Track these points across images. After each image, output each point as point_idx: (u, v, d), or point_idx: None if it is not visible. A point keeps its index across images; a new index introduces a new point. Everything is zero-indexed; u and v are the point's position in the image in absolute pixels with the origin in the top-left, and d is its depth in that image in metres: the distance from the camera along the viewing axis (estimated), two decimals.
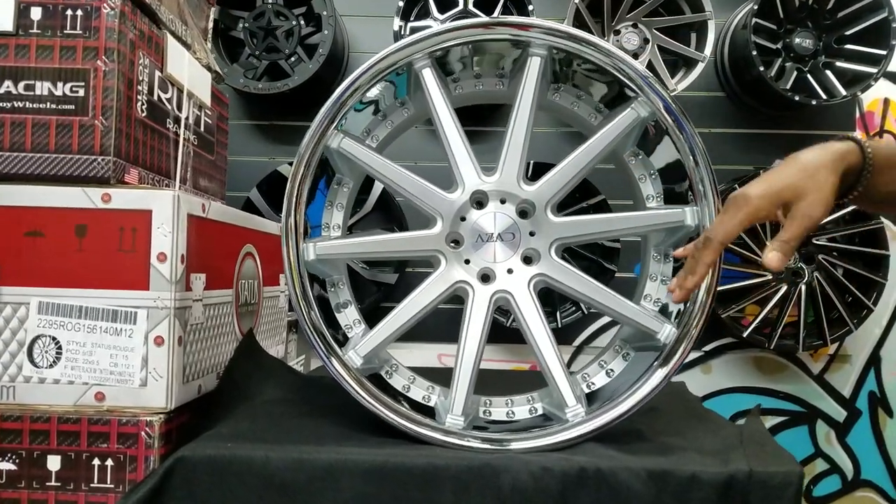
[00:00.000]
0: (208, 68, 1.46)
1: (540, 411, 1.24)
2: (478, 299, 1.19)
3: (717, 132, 2.63)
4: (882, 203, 1.08)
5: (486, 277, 1.21)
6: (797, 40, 2.48)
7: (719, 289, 1.17)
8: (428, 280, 1.20)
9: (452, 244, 1.21)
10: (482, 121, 2.52)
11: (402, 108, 1.30)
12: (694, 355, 2.60)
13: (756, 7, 2.37)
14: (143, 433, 1.08)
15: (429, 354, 2.50)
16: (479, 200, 1.21)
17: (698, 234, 1.16)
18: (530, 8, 2.42)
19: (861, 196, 1.05)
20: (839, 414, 2.64)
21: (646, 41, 2.49)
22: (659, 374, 1.14)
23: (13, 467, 1.09)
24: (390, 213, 2.48)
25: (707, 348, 2.60)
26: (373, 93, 1.24)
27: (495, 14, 2.49)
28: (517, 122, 1.19)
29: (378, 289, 2.51)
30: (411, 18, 2.54)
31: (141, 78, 1.18)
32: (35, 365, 1.10)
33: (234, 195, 2.46)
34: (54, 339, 1.10)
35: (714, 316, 2.40)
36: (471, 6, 2.51)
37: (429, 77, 1.20)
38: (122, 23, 1.12)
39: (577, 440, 1.12)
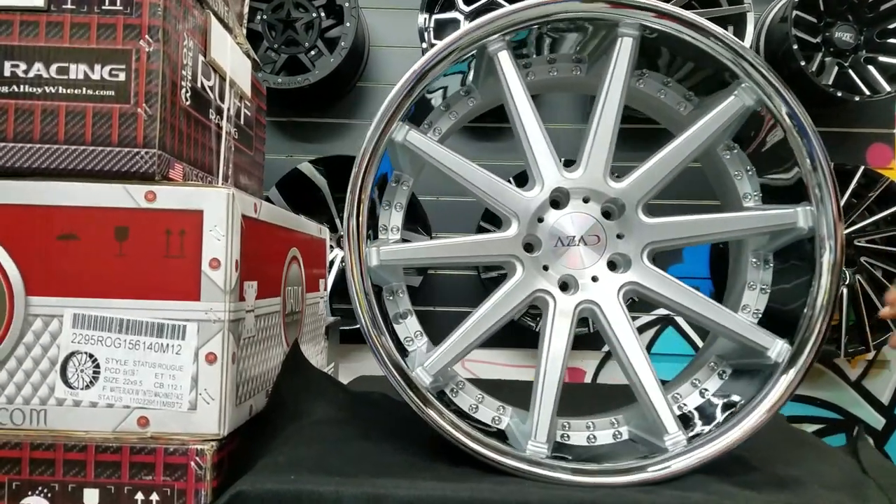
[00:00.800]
0: (248, 55, 1.31)
1: (625, 436, 1.10)
2: (560, 311, 1.05)
3: None
4: None
5: (566, 286, 1.07)
6: (837, 34, 2.34)
7: None
8: (503, 289, 1.06)
9: (527, 249, 1.06)
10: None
11: (467, 97, 1.16)
12: None
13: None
14: (192, 463, 0.94)
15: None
16: (556, 200, 1.06)
17: (812, 237, 1.02)
18: None
19: None
20: (877, 421, 2.51)
21: None
22: (776, 392, 1.00)
23: (46, 503, 0.94)
24: (415, 213, 2.34)
25: None
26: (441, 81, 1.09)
27: None
28: (605, 110, 1.05)
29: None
30: (435, 11, 2.40)
31: (185, 62, 1.03)
32: (69, 386, 0.95)
33: None
34: (91, 356, 0.95)
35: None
36: None
37: (505, 60, 1.05)
38: (172, 1, 0.97)
39: (681, 472, 0.98)
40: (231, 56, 1.20)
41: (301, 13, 2.35)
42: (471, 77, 1.14)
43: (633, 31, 1.05)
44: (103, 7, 0.96)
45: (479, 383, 1.15)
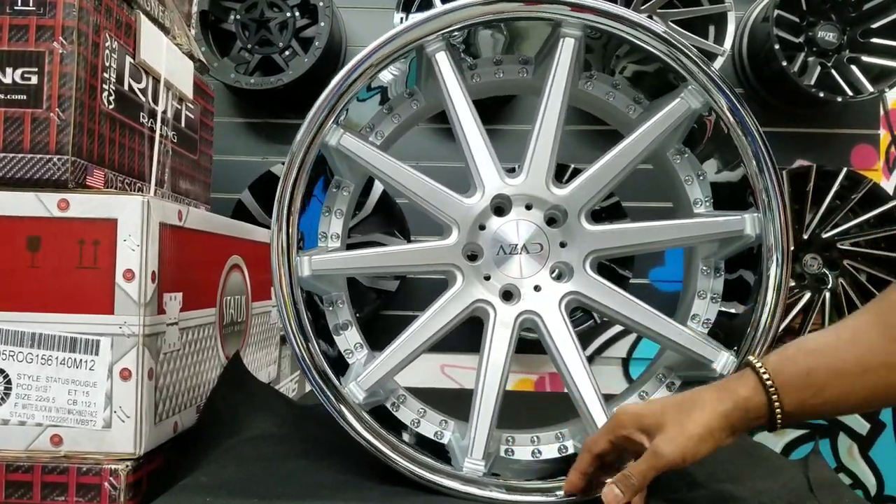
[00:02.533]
0: (190, 56, 1.27)
1: (571, 450, 1.05)
2: (500, 322, 1.01)
3: None
4: (821, 415, 0.87)
5: (509, 296, 1.02)
6: (820, 34, 2.29)
7: None
8: (441, 300, 1.01)
9: (470, 258, 1.02)
10: (487, 119, 2.33)
11: (410, 99, 1.11)
12: None
13: None
14: (106, 483, 0.89)
15: (431, 365, 2.31)
16: (499, 207, 1.02)
17: (760, 244, 0.97)
18: None
19: (786, 421, 0.84)
20: (862, 427, 2.46)
21: None
22: None
23: None
24: (391, 215, 2.29)
25: None
26: (380, 80, 1.04)
27: None
28: (547, 114, 1.00)
29: (378, 296, 2.32)
30: (413, 10, 2.36)
31: (108, 64, 0.99)
32: None
33: (224, 197, 2.28)
34: (2, 371, 0.91)
35: None
36: None
37: (443, 62, 1.01)
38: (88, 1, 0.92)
39: None
40: (167, 57, 1.16)
41: (275, 13, 2.31)
42: (414, 79, 1.09)
43: (575, 31, 1.00)
44: (15, 7, 0.92)
45: (425, 392, 1.11)
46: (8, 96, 0.91)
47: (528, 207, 1.02)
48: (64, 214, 0.90)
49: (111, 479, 0.89)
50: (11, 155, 0.91)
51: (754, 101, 2.46)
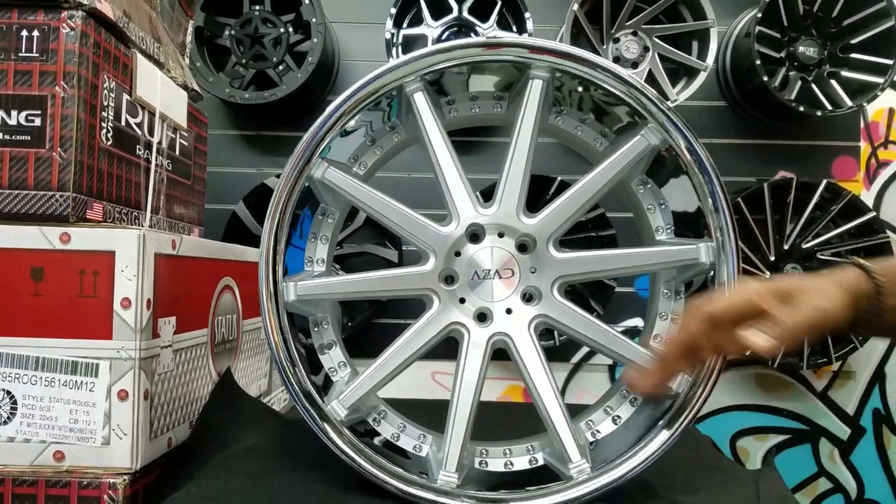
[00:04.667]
0: (185, 87, 1.34)
1: (540, 461, 1.13)
2: (473, 343, 1.08)
3: (719, 143, 2.53)
4: None
5: (482, 318, 1.10)
6: (801, 49, 2.37)
7: None
8: (419, 322, 1.09)
9: (446, 282, 1.10)
10: (474, 131, 2.41)
11: (392, 132, 1.19)
12: None
13: (759, 15, 2.26)
14: (105, 496, 0.97)
15: (423, 373, 2.40)
16: (474, 234, 1.10)
17: (714, 271, 1.05)
18: (527, 15, 2.31)
19: (879, 323, 0.92)
20: (843, 432, 2.54)
21: (646, 49, 2.39)
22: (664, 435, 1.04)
23: None
24: (383, 227, 2.36)
25: None
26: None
27: (490, 22, 2.39)
28: (517, 149, 1.08)
29: (370, 305, 2.40)
30: (404, 25, 2.44)
31: (106, 103, 1.06)
32: None
33: (219, 208, 2.36)
34: (8, 392, 0.99)
35: None
36: (465, 13, 2.40)
37: (421, 101, 1.08)
38: (82, 44, 1.00)
39: (582, 499, 1.01)
40: (162, 91, 1.23)
41: (269, 29, 2.39)
42: (395, 113, 1.17)
43: (543, 73, 1.07)
44: (20, 54, 0.99)
45: (407, 404, 1.19)
46: (13, 137, 0.99)
47: (501, 235, 1.10)
48: (65, 247, 0.98)
49: (110, 491, 0.97)
50: (16, 192, 0.99)
51: (738, 114, 2.54)
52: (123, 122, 1.12)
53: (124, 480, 0.98)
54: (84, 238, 0.98)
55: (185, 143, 1.36)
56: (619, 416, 1.13)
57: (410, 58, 1.07)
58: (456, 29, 2.42)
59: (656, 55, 2.37)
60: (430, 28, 2.41)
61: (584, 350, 2.50)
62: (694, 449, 1.31)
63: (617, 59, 2.38)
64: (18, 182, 0.99)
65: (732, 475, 1.16)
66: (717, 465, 1.22)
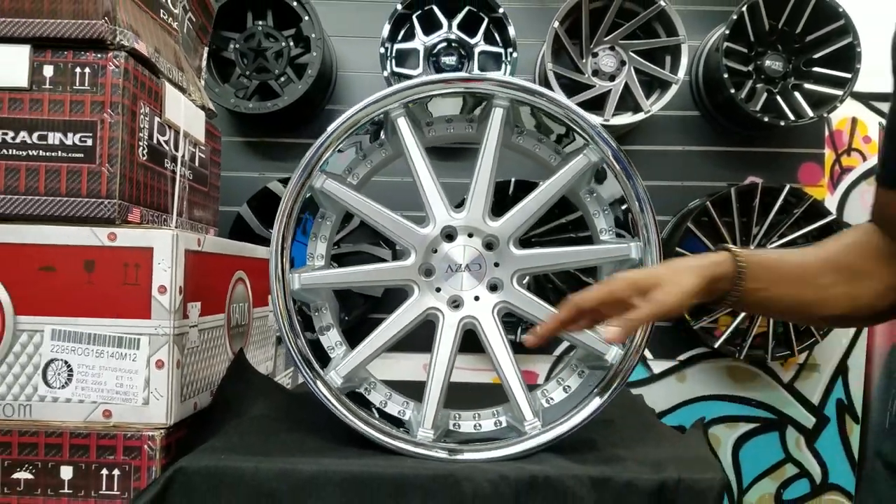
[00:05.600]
0: (202, 108, 1.62)
1: (504, 423, 1.40)
2: (447, 324, 1.36)
3: (692, 150, 2.80)
4: (757, 307, 1.22)
5: (455, 304, 1.37)
6: (767, 63, 2.64)
7: None
8: (402, 307, 1.36)
9: (425, 274, 1.37)
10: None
11: (380, 148, 1.46)
12: (669, 364, 2.78)
13: (727, 31, 2.53)
14: (145, 446, 1.24)
15: (414, 364, 2.65)
16: (448, 234, 1.37)
17: (641, 265, 1.32)
18: (511, 31, 2.58)
19: (737, 301, 1.17)
20: (808, 421, 2.80)
21: (623, 63, 2.65)
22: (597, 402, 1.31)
23: (30, 477, 1.25)
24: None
25: (681, 358, 2.77)
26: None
27: (478, 37, 2.65)
28: (483, 165, 1.35)
29: (365, 301, 2.67)
30: (398, 40, 2.70)
31: (142, 126, 1.34)
32: (49, 385, 1.26)
33: (225, 210, 2.62)
34: (66, 362, 1.26)
35: (687, 327, 2.57)
36: (454, 29, 2.66)
37: (403, 125, 1.36)
38: (125, 79, 1.28)
39: (533, 450, 1.29)
40: (185, 112, 1.51)
41: (271, 42, 2.66)
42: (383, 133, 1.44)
43: (504, 102, 1.35)
44: (74, 87, 1.26)
45: (393, 384, 1.46)
46: (69, 154, 1.26)
47: (470, 235, 1.37)
48: (112, 244, 1.25)
49: (149, 442, 1.24)
50: (72, 199, 1.26)
51: (710, 123, 2.81)
52: (155, 141, 1.40)
53: (161, 434, 1.25)
54: (127, 237, 1.25)
55: (203, 156, 1.64)
56: (568, 386, 1.41)
57: (396, 89, 1.34)
58: (445, 44, 2.69)
59: (632, 69, 2.64)
60: (422, 42, 2.68)
61: (566, 343, 2.76)
62: (638, 416, 1.59)
63: (596, 73, 2.65)
64: (74, 191, 1.26)
65: (664, 435, 1.44)
66: (653, 428, 1.50)
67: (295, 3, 2.58)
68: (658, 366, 2.79)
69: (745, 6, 2.53)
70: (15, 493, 1.25)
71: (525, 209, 1.36)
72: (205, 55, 1.72)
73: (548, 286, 2.66)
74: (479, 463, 1.25)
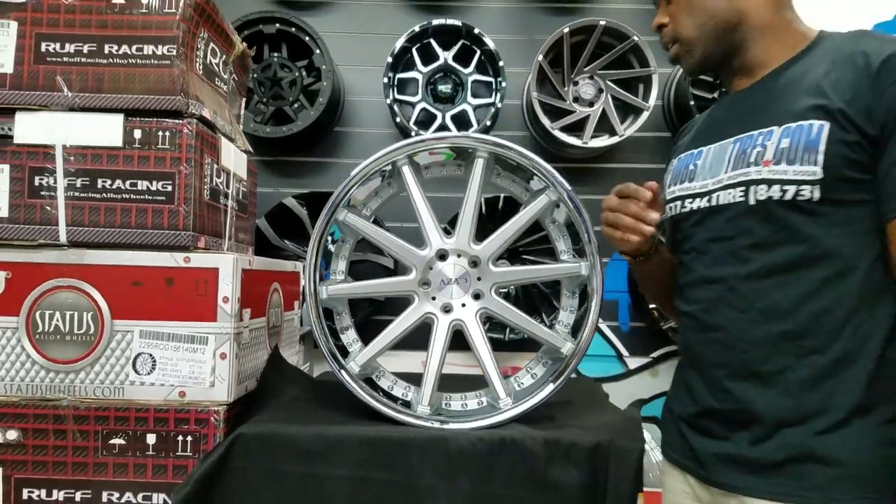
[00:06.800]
0: (245, 151, 2.13)
1: (485, 403, 1.92)
2: (440, 325, 1.87)
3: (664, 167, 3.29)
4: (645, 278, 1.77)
5: (447, 310, 1.88)
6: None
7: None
8: (406, 312, 1.88)
9: (423, 286, 1.88)
10: None
11: (388, 187, 1.97)
12: (643, 361, 3.27)
13: None
14: (212, 418, 1.75)
15: (416, 361, 3.14)
16: (441, 255, 1.88)
17: (589, 280, 1.83)
18: (500, 64, 3.07)
19: (644, 261, 1.68)
20: None
21: (601, 91, 3.15)
22: (552, 386, 1.83)
23: (123, 442, 1.75)
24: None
25: (654, 355, 3.27)
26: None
27: (471, 67, 3.15)
28: (468, 201, 1.86)
29: (370, 304, 3.17)
30: (399, 69, 3.20)
31: (206, 173, 1.85)
32: (137, 373, 1.77)
33: None
34: (151, 355, 1.77)
35: (658, 328, 3.08)
36: (450, 61, 3.17)
37: (407, 172, 1.87)
38: (196, 139, 1.78)
39: (504, 422, 1.80)
40: (234, 158, 2.02)
41: (286, 73, 3.15)
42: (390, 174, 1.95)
43: (484, 154, 1.86)
44: (157, 146, 1.77)
45: (398, 374, 1.97)
46: (154, 198, 1.77)
47: (459, 256, 1.88)
48: (187, 265, 1.76)
49: (214, 415, 1.75)
50: (157, 230, 1.77)
51: None
52: (214, 183, 1.91)
53: (223, 408, 1.76)
54: (199, 259, 1.76)
55: (245, 189, 2.15)
56: (535, 374, 1.92)
57: (401, 145, 1.85)
58: (442, 73, 3.19)
59: (609, 96, 3.14)
60: (421, 72, 3.18)
61: None
62: (593, 398, 2.11)
63: (577, 99, 3.15)
64: (157, 225, 1.77)
65: (607, 412, 1.95)
66: (600, 407, 2.02)
67: (307, 39, 3.07)
68: (633, 362, 3.28)
69: None
70: (111, 454, 1.75)
71: (501, 236, 1.87)
72: (242, 104, 2.23)
73: (533, 290, 3.16)
74: (463, 430, 1.76)
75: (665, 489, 1.60)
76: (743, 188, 1.41)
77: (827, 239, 1.34)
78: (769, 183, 1.36)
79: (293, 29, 3.10)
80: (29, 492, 1.75)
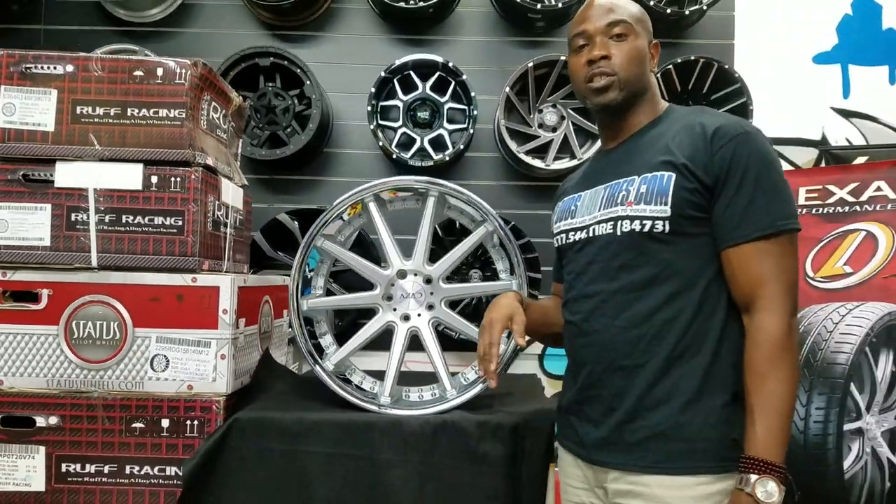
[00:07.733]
0: (241, 186, 2.67)
1: (437, 395, 2.45)
2: (399, 332, 2.40)
3: None
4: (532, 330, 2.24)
5: (405, 318, 2.41)
6: None
7: None
8: (372, 321, 2.42)
9: (386, 299, 2.41)
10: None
11: (359, 218, 2.50)
12: None
13: None
14: (214, 406, 2.29)
15: (380, 360, 3.67)
16: (401, 273, 2.41)
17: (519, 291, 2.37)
18: (473, 94, 3.55)
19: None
20: None
21: (562, 118, 3.65)
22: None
23: (143, 426, 2.29)
24: (365, 247, 3.59)
25: None
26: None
27: (447, 96, 3.64)
28: (422, 231, 2.39)
29: (357, 311, 3.67)
30: (382, 98, 3.68)
31: (210, 209, 2.39)
32: (154, 370, 2.30)
33: None
34: (165, 356, 2.30)
35: None
36: (428, 90, 3.67)
37: (373, 208, 2.40)
38: (202, 184, 2.32)
39: (449, 409, 2.33)
40: (232, 193, 2.56)
41: (279, 101, 3.63)
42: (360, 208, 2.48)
43: (435, 193, 2.39)
44: (170, 189, 2.31)
45: (368, 371, 2.51)
46: (168, 230, 2.30)
47: (416, 274, 2.41)
48: (194, 284, 2.29)
49: (216, 404, 2.29)
50: (170, 257, 2.30)
51: None
52: (216, 216, 2.44)
53: (223, 399, 2.29)
54: (204, 280, 2.30)
55: (241, 217, 2.69)
56: (479, 371, 2.45)
57: (367, 187, 2.38)
58: (420, 101, 3.68)
59: (570, 123, 3.64)
60: (401, 101, 3.68)
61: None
62: (532, 391, 2.65)
63: (541, 125, 3.65)
64: (170, 252, 2.31)
65: (536, 401, 2.49)
66: (534, 398, 2.55)
67: (298, 70, 3.54)
68: None
69: (660, 73, 3.53)
70: (133, 436, 2.28)
71: (449, 258, 2.40)
72: (240, 144, 2.77)
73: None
74: (415, 416, 2.29)
75: (562, 472, 2.08)
76: (612, 223, 1.88)
77: (675, 262, 1.79)
78: (631, 219, 1.83)
79: (286, 62, 3.54)
80: (67, 466, 2.27)
